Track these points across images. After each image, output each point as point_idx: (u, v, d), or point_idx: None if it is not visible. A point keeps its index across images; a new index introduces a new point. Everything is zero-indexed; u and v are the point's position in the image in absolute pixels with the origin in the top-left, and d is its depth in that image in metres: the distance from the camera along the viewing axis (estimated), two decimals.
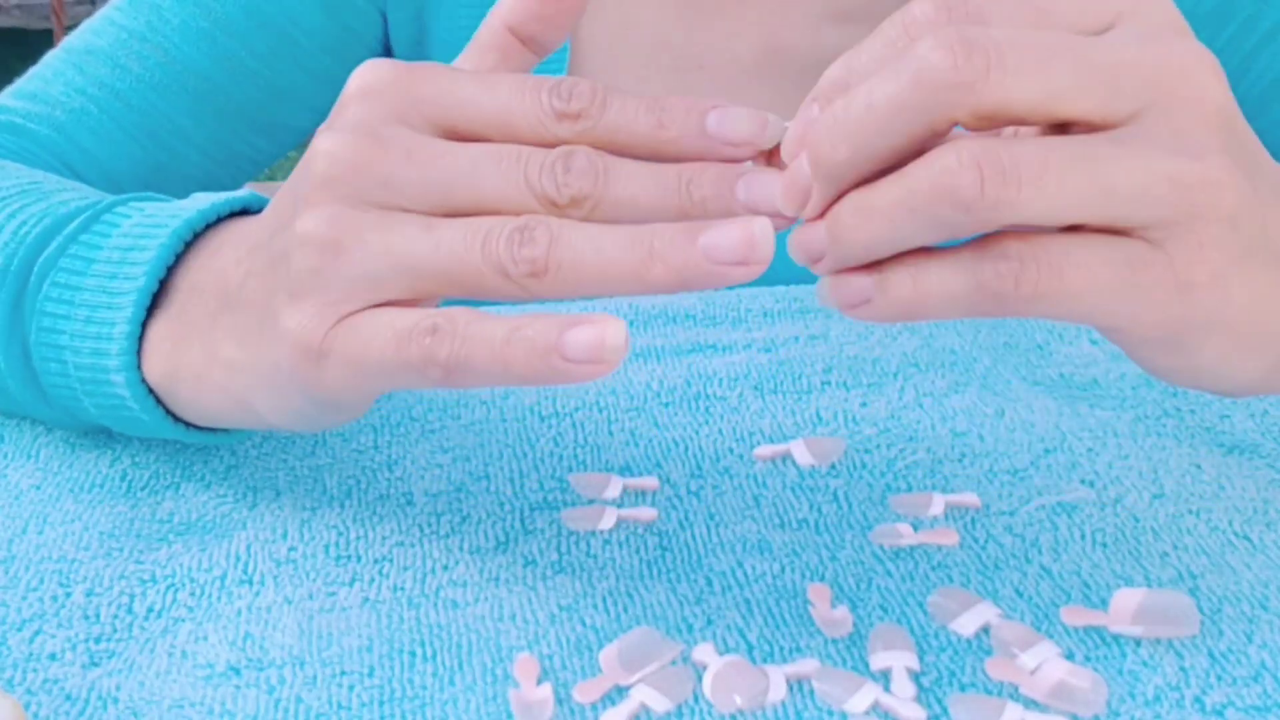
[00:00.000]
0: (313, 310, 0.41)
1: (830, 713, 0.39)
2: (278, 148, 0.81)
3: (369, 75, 0.43)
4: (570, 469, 0.52)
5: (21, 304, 0.52)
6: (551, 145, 0.41)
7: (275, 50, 0.77)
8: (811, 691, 0.40)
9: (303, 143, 0.83)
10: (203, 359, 0.47)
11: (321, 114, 0.85)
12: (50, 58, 0.76)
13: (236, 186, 0.81)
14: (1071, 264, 0.38)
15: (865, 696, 0.39)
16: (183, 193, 0.77)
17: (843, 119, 0.38)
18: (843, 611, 0.43)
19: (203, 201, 0.51)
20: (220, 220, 0.51)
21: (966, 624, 0.43)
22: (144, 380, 0.49)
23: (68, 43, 0.76)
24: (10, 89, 0.76)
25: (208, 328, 0.47)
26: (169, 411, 0.50)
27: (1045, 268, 0.38)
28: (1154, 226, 0.38)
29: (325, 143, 0.42)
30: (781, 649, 0.42)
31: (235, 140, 0.78)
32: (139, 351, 0.49)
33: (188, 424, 0.51)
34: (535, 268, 0.39)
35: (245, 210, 0.52)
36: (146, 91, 0.75)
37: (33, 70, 0.76)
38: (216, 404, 0.47)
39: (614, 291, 0.39)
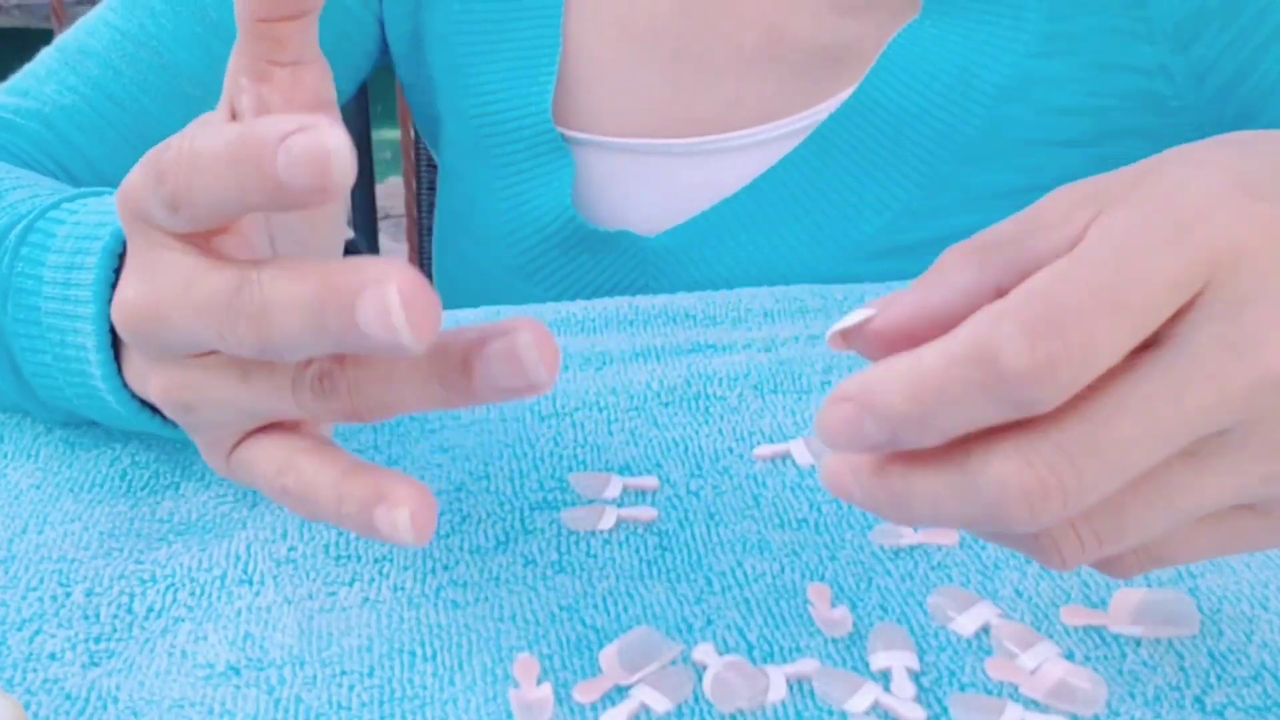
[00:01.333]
0: (205, 449, 0.43)
1: (830, 713, 0.39)
2: None
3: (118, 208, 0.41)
4: (570, 469, 0.52)
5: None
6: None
7: None
8: (811, 691, 0.40)
9: None
10: None
11: None
12: (44, 55, 0.76)
13: None
14: (1175, 545, 0.37)
15: (865, 696, 0.39)
16: None
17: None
18: (842, 611, 0.43)
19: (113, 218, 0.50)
20: None
21: (966, 624, 0.43)
22: (139, 400, 0.49)
23: (61, 41, 0.76)
24: (2, 85, 0.76)
25: None
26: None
27: (1146, 557, 0.37)
28: (1259, 504, 0.36)
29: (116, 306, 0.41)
30: (781, 649, 0.42)
31: None
32: (123, 376, 0.49)
33: None
34: (347, 413, 0.38)
35: None
36: (139, 94, 0.75)
37: (26, 68, 0.76)
38: None
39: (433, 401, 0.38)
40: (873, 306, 0.37)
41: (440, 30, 0.79)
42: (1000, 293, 0.34)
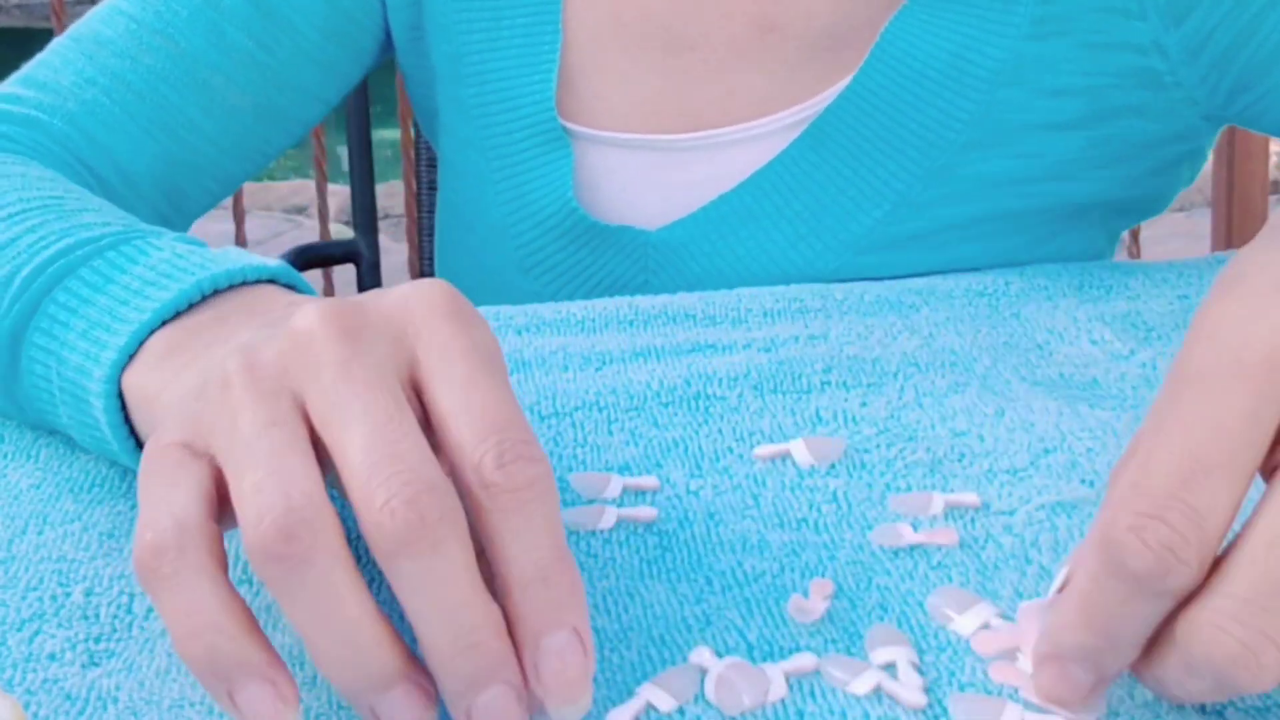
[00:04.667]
0: None
1: (832, 710, 0.39)
2: (286, 139, 0.81)
3: None
4: (570, 469, 0.52)
5: (29, 317, 0.52)
6: None
7: (280, 40, 0.77)
8: (813, 689, 0.40)
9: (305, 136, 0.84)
10: None
11: (327, 105, 0.86)
12: (58, 45, 0.76)
13: (245, 178, 0.81)
14: None
15: (869, 680, 0.40)
16: (194, 185, 0.78)
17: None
18: (815, 600, 0.43)
19: (233, 262, 0.50)
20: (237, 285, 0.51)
21: (966, 624, 0.43)
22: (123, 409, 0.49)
23: (75, 31, 0.76)
24: (17, 76, 0.76)
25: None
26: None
27: None
28: None
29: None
30: (781, 649, 0.42)
31: (244, 132, 0.79)
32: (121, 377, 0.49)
33: None
34: None
35: (273, 280, 0.51)
36: (158, 84, 0.75)
37: (39, 58, 0.76)
38: None
39: None
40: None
41: (441, 21, 0.80)
42: None
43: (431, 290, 0.42)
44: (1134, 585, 0.35)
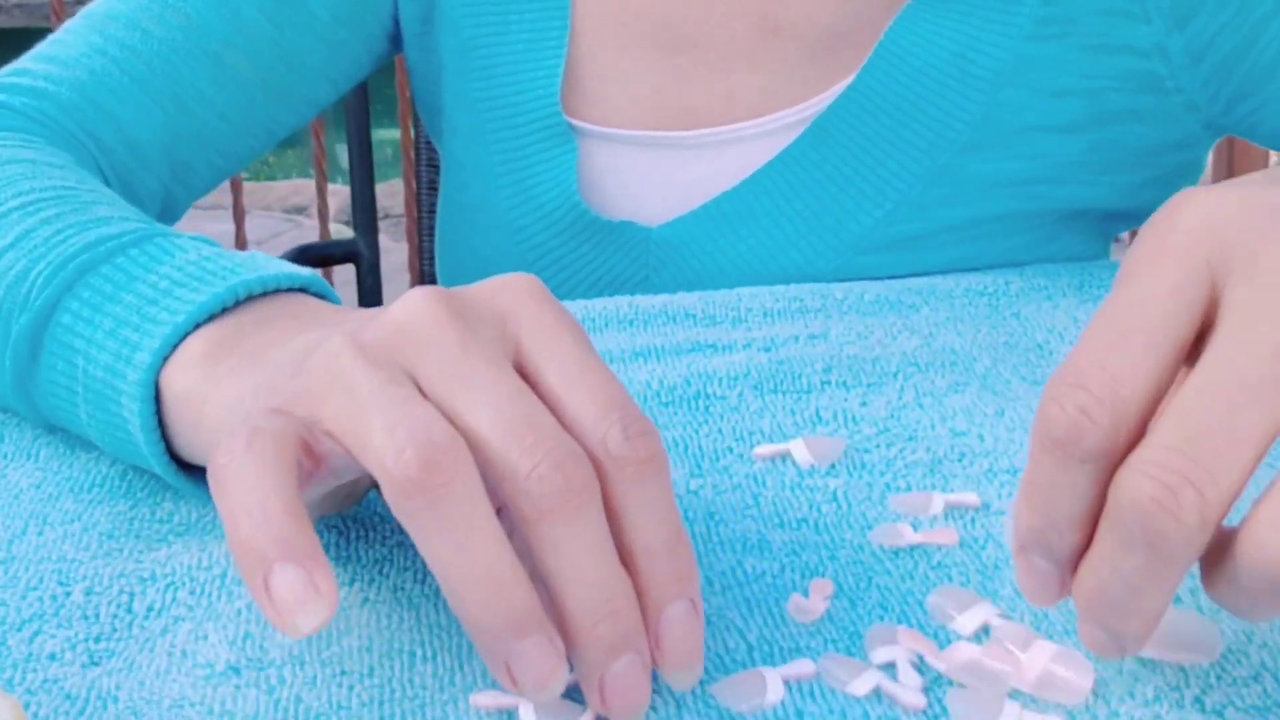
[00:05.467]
0: None
1: (831, 711, 0.39)
2: (294, 119, 0.82)
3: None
4: None
5: (50, 312, 0.52)
6: None
7: (291, 18, 0.78)
8: (812, 690, 0.40)
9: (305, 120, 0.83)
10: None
11: (335, 87, 0.87)
12: (70, 24, 0.77)
13: (251, 156, 0.81)
14: None
15: (868, 680, 0.40)
16: (200, 159, 0.78)
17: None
18: (815, 600, 0.43)
19: (264, 268, 0.50)
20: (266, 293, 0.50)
21: (966, 624, 0.43)
22: (156, 409, 0.49)
23: (87, 10, 0.77)
24: (29, 54, 0.76)
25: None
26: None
27: None
28: None
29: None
30: (781, 649, 0.42)
31: (253, 107, 0.79)
32: (157, 382, 0.48)
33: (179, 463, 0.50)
34: None
35: (304, 289, 0.51)
36: (169, 54, 0.75)
37: (52, 37, 0.77)
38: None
39: None
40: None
41: (449, 14, 0.80)
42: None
43: (522, 280, 0.43)
44: (1059, 454, 0.36)
